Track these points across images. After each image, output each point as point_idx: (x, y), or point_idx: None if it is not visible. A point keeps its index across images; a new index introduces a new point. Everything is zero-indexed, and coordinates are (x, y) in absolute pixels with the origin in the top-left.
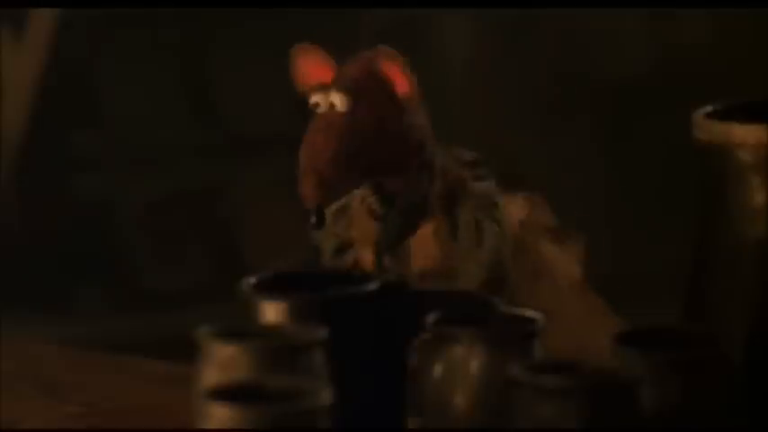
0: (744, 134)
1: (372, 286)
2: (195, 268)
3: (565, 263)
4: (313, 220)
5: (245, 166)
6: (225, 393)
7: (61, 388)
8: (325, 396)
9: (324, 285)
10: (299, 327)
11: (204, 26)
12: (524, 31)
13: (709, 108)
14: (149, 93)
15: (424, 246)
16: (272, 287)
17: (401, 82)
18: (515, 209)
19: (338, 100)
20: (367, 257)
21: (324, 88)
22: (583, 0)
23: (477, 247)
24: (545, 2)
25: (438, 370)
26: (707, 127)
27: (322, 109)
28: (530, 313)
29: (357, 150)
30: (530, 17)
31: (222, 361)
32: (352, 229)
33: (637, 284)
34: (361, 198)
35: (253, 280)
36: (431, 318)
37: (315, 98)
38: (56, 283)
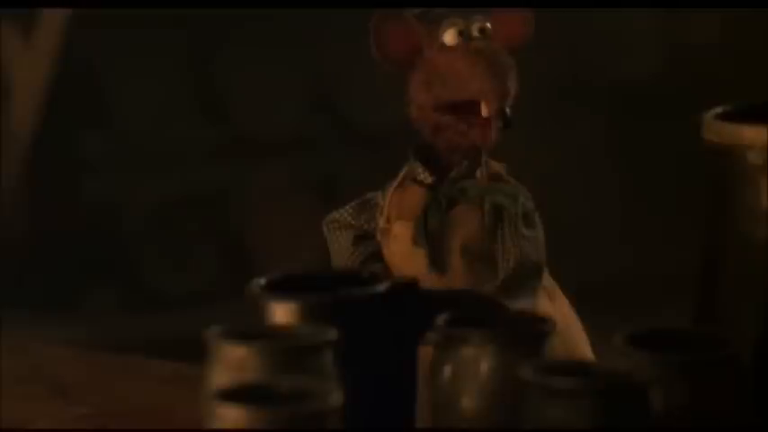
0: (753, 136)
1: (382, 287)
2: (204, 269)
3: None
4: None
5: (254, 167)
6: (235, 394)
7: (70, 389)
8: (336, 397)
9: (334, 286)
10: (309, 327)
11: (214, 28)
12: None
13: (718, 109)
14: (159, 94)
15: (467, 222)
16: (282, 288)
17: (523, 32)
18: None
19: (483, 27)
20: (404, 233)
21: (466, 16)
22: (588, 0)
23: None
24: (548, 2)
25: (448, 371)
26: (716, 128)
27: (462, 38)
28: (540, 314)
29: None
30: (536, 17)
31: (232, 362)
32: (396, 206)
33: (645, 285)
34: (409, 170)
35: (262, 281)
36: (441, 319)
37: (456, 27)
38: (65, 284)
